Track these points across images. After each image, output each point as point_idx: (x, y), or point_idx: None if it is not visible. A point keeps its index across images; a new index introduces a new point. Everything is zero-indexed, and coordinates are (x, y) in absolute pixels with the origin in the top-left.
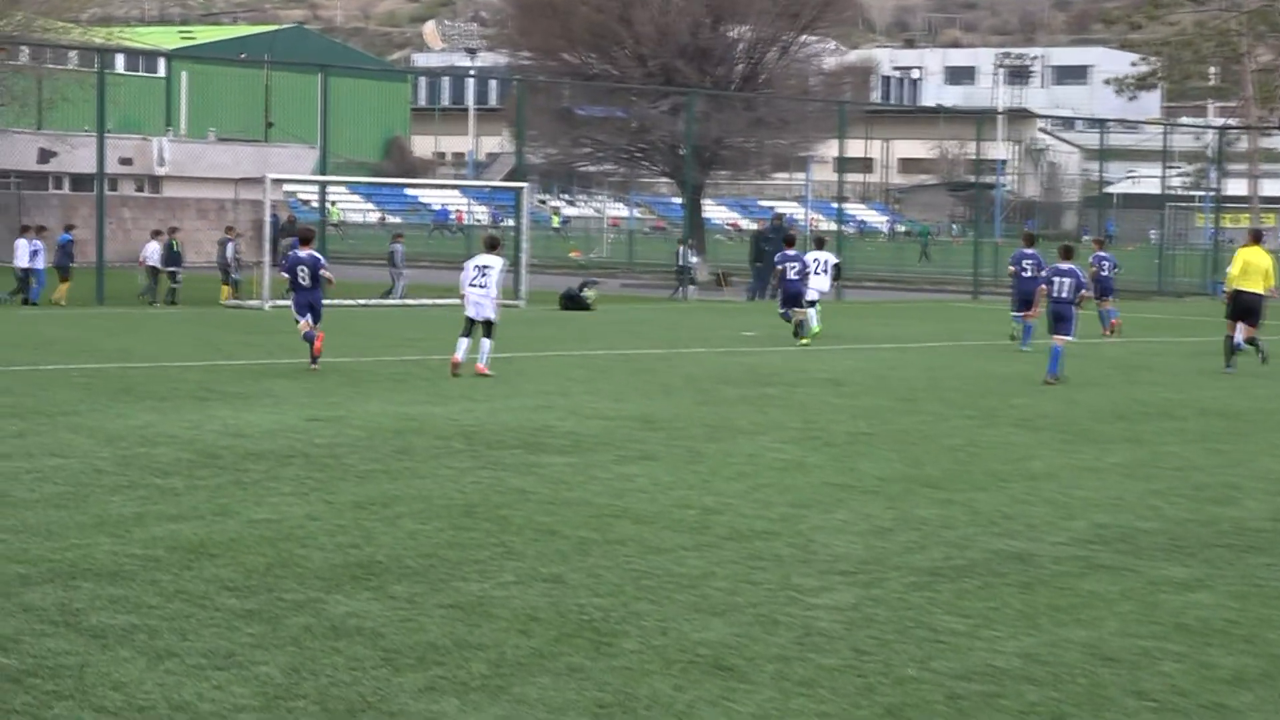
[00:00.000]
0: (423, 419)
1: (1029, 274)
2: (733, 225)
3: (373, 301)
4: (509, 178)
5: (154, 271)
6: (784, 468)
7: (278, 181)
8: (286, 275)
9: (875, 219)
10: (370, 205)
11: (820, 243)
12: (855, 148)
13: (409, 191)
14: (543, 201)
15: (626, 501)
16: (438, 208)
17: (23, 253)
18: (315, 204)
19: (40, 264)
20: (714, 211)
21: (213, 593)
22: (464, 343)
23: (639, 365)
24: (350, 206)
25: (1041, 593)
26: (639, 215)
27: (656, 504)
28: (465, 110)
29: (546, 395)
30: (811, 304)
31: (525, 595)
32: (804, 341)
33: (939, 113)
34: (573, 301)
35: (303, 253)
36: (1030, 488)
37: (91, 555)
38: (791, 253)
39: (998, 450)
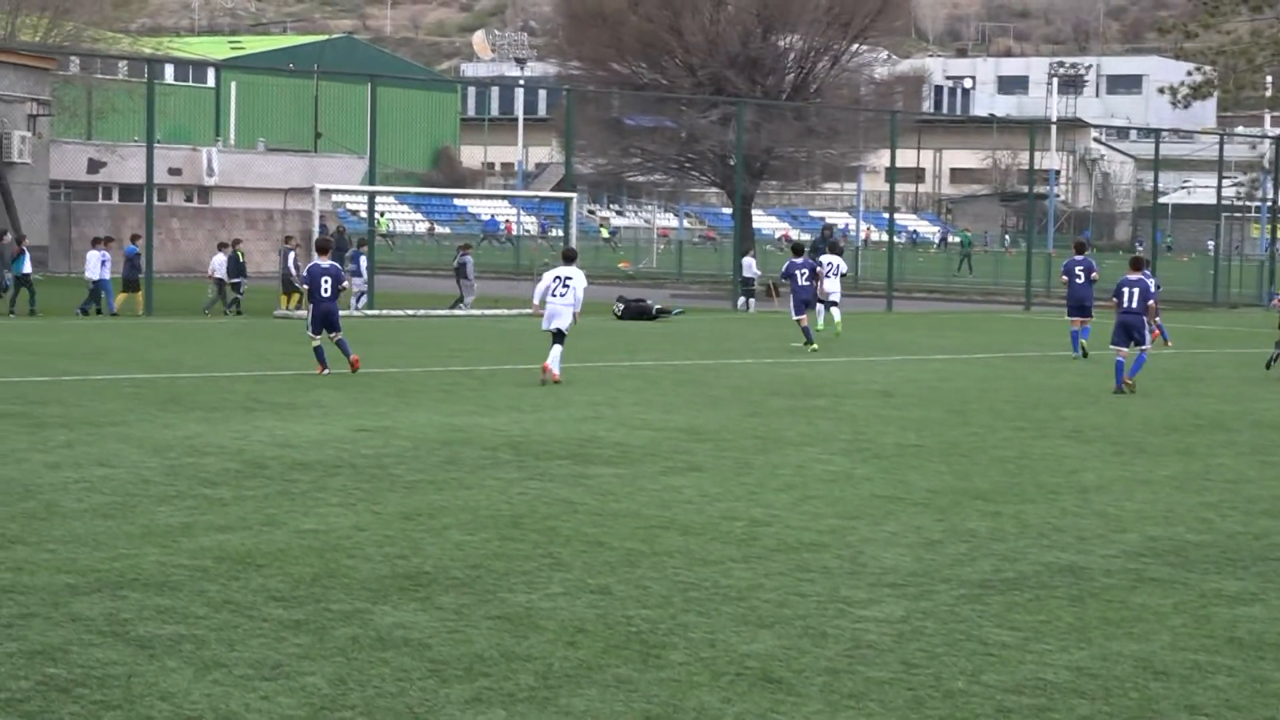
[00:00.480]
0: (470, 430)
1: (1081, 280)
2: (784, 236)
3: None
4: (558, 188)
5: (220, 284)
6: (832, 479)
7: (326, 192)
8: (307, 286)
9: (927, 229)
10: (419, 215)
11: (835, 248)
12: (907, 158)
13: (458, 202)
14: (591, 212)
15: (674, 513)
16: (486, 218)
17: (94, 264)
18: (364, 214)
19: (107, 274)
20: (764, 222)
21: (260, 603)
22: (556, 350)
23: (687, 376)
24: (399, 217)
25: (1092, 606)
26: (688, 225)
27: (704, 515)
28: (514, 120)
29: (594, 406)
30: (834, 304)
31: (572, 606)
32: (813, 348)
33: (991, 122)
34: (637, 312)
35: (324, 263)
36: (1081, 500)
37: (139, 565)
38: (799, 260)
39: (1048, 462)
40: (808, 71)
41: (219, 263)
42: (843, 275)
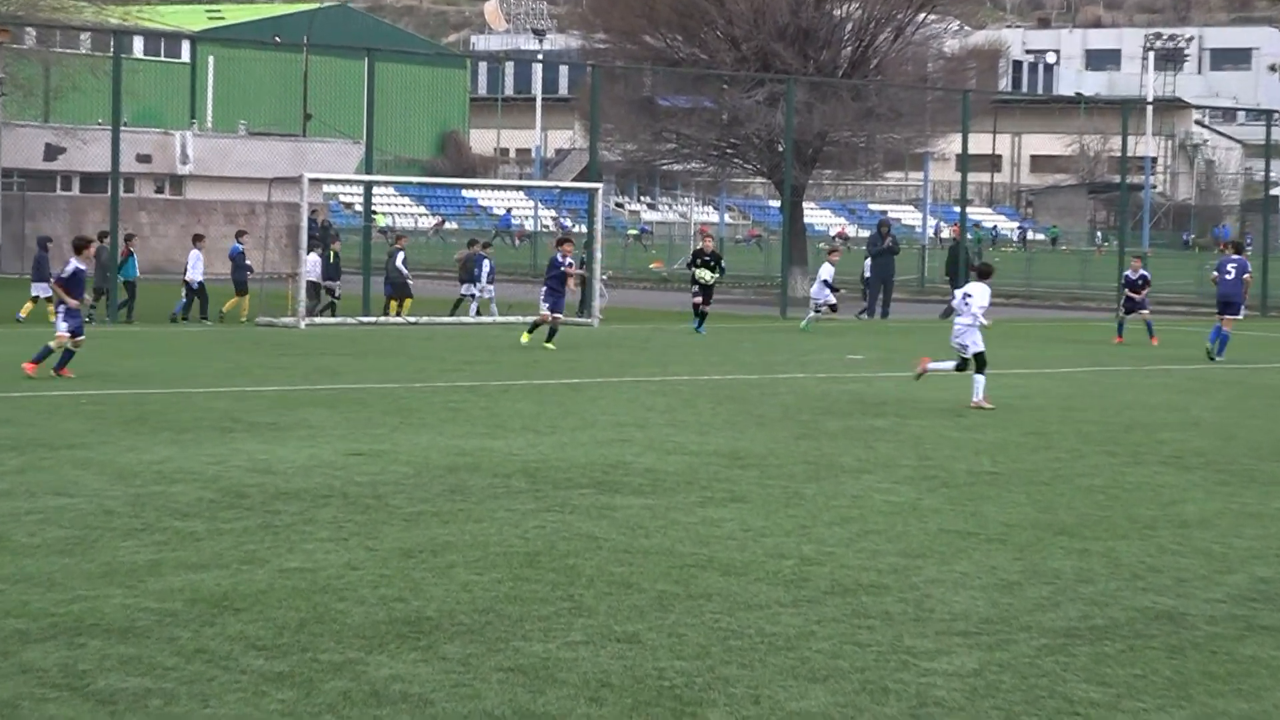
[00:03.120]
0: (479, 454)
1: (1231, 276)
2: (839, 234)
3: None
4: (580, 177)
5: (315, 287)
6: (895, 511)
7: (316, 181)
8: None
9: (1005, 225)
10: (422, 209)
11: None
12: (981, 143)
13: (466, 193)
14: (620, 205)
15: (713, 550)
16: (501, 212)
17: (195, 265)
18: (359, 207)
19: (200, 276)
20: (816, 216)
21: (238, 652)
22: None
23: (729, 393)
24: (399, 210)
25: (1194, 658)
26: (730, 221)
27: (747, 553)
28: (531, 101)
29: (621, 427)
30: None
31: (596, 657)
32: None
33: (1078, 103)
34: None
35: (83, 264)
36: (1181, 536)
37: (100, 609)
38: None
39: (1143, 492)
40: (867, 45)
41: (313, 264)
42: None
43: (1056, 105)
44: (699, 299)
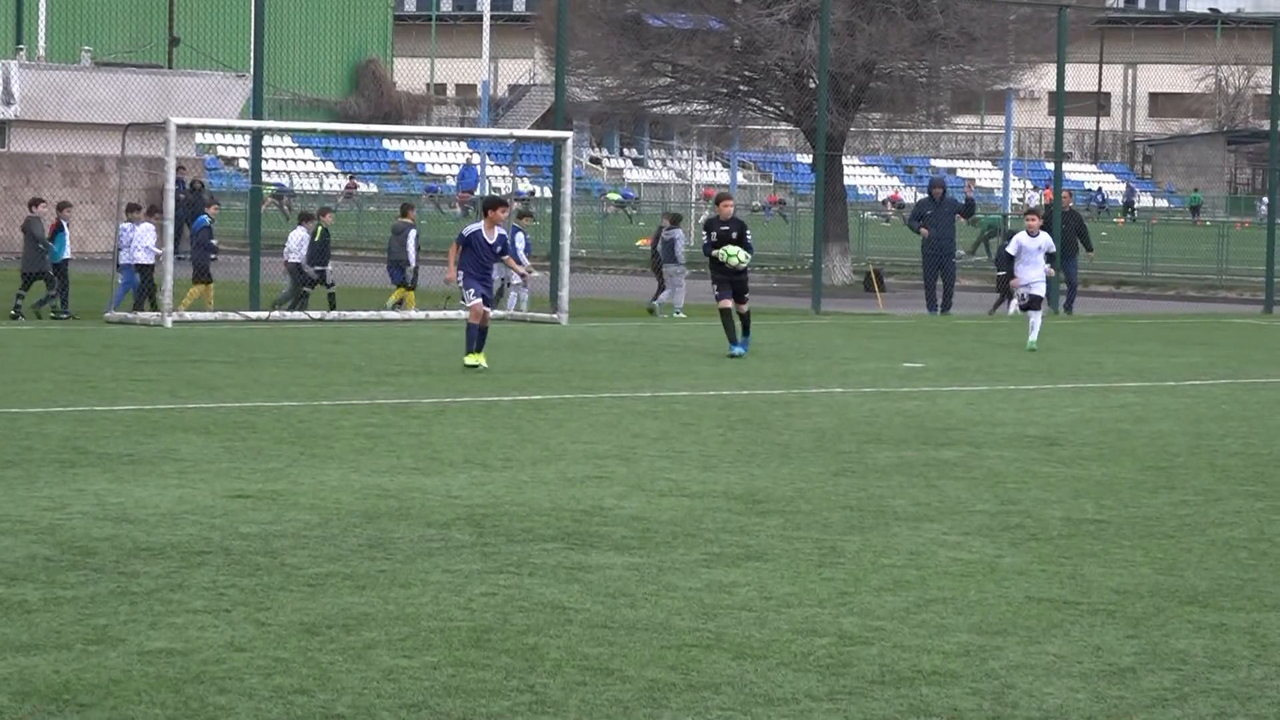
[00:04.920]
0: (407, 496)
1: None
2: (892, 199)
3: (362, 315)
4: (543, 123)
5: (298, 272)
6: (966, 574)
7: (187, 129)
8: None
9: (1112, 187)
10: (329, 165)
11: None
12: (1083, 77)
13: (389, 144)
14: (595, 161)
15: (721, 625)
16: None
17: (296, 245)
18: (244, 164)
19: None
20: (860, 176)
21: None
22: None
23: (742, 413)
24: (299, 168)
25: None
26: (745, 181)
27: (768, 629)
28: (477, 20)
29: (599, 460)
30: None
31: None
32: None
33: (1213, 22)
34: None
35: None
36: None
37: None
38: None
39: None
40: None
41: (297, 241)
42: (1049, 257)
43: (1185, 26)
44: (727, 299)
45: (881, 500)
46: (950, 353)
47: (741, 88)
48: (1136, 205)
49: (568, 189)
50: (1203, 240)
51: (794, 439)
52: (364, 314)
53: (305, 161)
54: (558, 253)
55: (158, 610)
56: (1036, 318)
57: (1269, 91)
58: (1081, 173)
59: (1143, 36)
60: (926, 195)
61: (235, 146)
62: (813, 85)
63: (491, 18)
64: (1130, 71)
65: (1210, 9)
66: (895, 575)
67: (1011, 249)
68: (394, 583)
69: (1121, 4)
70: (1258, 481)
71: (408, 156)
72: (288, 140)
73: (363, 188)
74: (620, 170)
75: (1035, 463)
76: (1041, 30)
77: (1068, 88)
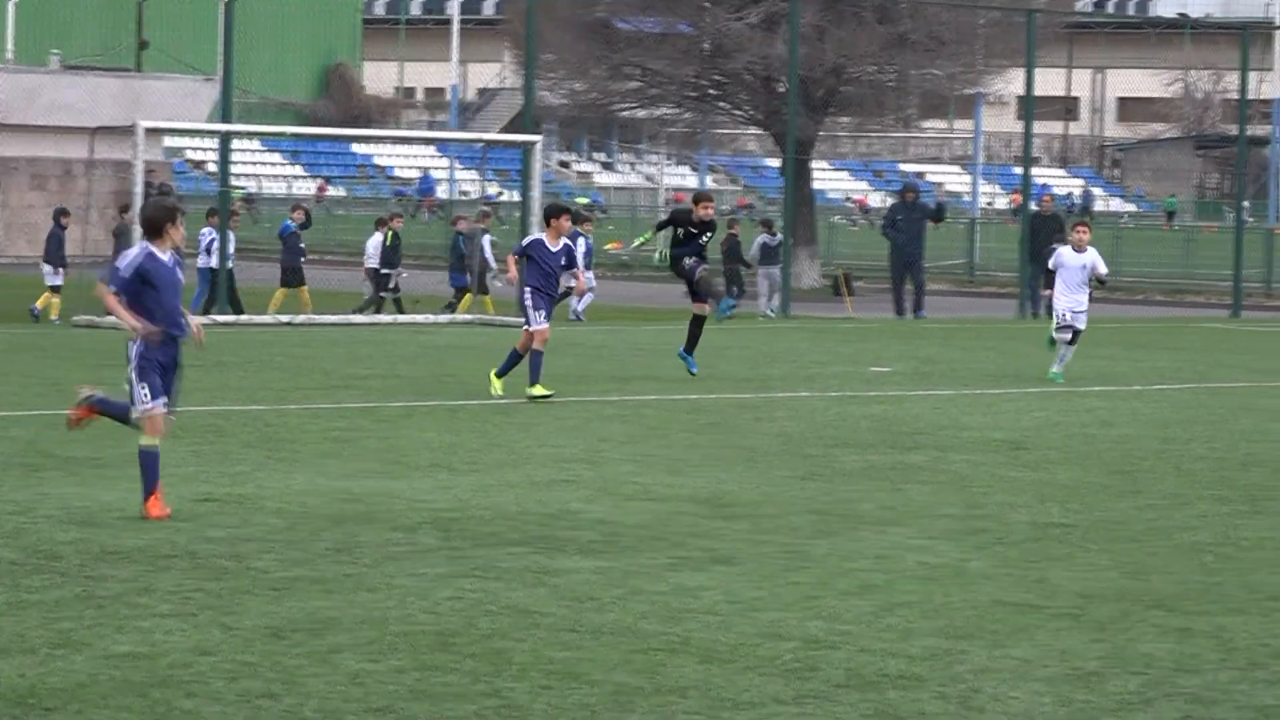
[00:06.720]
0: (374, 500)
1: None
2: (859, 202)
3: (330, 319)
4: (512, 127)
5: (377, 276)
6: (933, 578)
7: (156, 132)
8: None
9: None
10: (298, 169)
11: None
12: (1051, 82)
13: (358, 148)
14: (565, 165)
15: (688, 629)
16: (419, 176)
17: (373, 250)
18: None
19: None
20: (829, 180)
21: None
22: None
23: (710, 417)
24: (269, 171)
25: None
26: (715, 185)
27: (735, 633)
28: (446, 23)
29: (566, 464)
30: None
31: None
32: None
33: (1182, 27)
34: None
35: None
36: None
37: None
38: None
39: (1266, 552)
40: None
41: (374, 246)
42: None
43: (1154, 30)
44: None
45: (848, 504)
46: (918, 357)
47: (711, 92)
48: (1094, 210)
49: (537, 193)
50: (1171, 245)
51: (761, 443)
52: (332, 318)
53: (274, 165)
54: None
55: (123, 614)
56: (1069, 351)
57: (1237, 96)
58: (1049, 177)
59: (1113, 41)
60: (899, 199)
61: (204, 150)
62: (782, 89)
63: (461, 22)
64: (1099, 76)
65: (1179, 13)
66: (862, 579)
67: (1052, 264)
68: (360, 587)
69: (1091, 8)
70: (1223, 486)
71: (376, 160)
72: (257, 144)
73: (332, 191)
74: (590, 174)
75: (1002, 467)
76: (1010, 34)
77: (1036, 92)
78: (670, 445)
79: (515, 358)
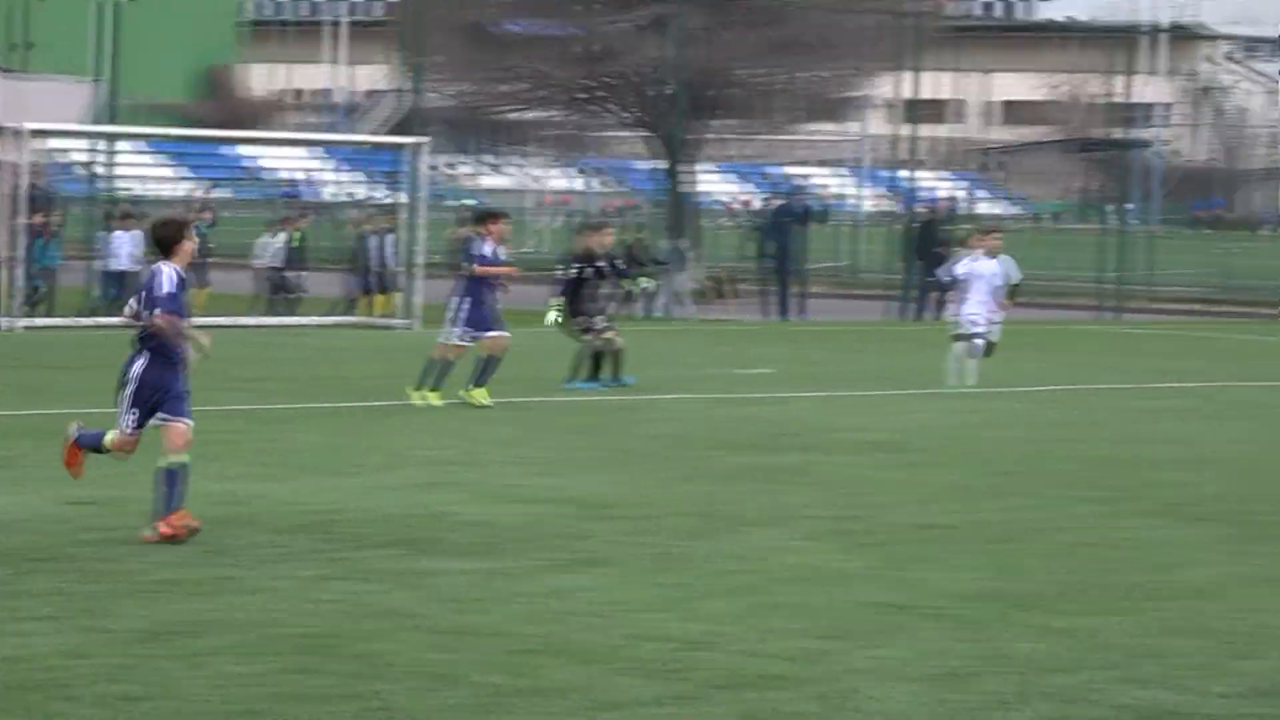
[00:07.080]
0: (251, 501)
1: None
2: (741, 204)
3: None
4: (398, 130)
5: (279, 277)
6: (808, 578)
7: (40, 133)
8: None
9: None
10: (183, 169)
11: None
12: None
13: (242, 150)
14: (450, 167)
15: (564, 630)
16: (296, 178)
17: (268, 249)
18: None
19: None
20: (712, 182)
21: None
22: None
23: (588, 419)
24: (149, 173)
25: None
26: (602, 189)
27: (609, 635)
28: (332, 25)
29: (443, 466)
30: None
31: None
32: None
33: (1066, 32)
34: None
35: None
36: (1185, 610)
37: None
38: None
39: (1136, 552)
40: None
41: (267, 246)
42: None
43: (1036, 35)
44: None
45: (726, 506)
46: (797, 359)
47: (595, 94)
48: (959, 213)
49: (422, 195)
50: (1048, 247)
51: (640, 445)
52: (225, 320)
53: (155, 167)
54: (411, 259)
55: None
56: (973, 365)
57: (1116, 100)
58: (933, 180)
59: (996, 45)
60: (783, 202)
61: (80, 151)
62: (669, 91)
63: (349, 23)
64: (983, 80)
65: (1067, 17)
66: (737, 580)
67: (960, 271)
68: (235, 589)
69: (980, 11)
70: (1096, 486)
71: (261, 162)
72: (141, 145)
73: (216, 194)
74: (475, 176)
75: (880, 468)
76: (894, 37)
77: (920, 95)
78: (549, 447)
79: (483, 364)
